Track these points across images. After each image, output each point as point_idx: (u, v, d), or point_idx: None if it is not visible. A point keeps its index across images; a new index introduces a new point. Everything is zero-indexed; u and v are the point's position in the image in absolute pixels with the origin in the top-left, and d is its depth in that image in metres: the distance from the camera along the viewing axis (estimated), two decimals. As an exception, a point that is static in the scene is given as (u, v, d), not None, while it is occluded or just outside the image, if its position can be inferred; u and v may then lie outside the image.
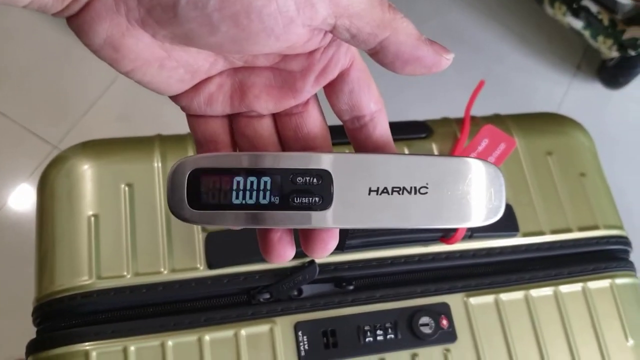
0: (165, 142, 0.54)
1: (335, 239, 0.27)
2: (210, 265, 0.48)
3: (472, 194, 0.27)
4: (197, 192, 0.26)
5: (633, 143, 1.33)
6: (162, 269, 0.48)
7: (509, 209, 0.54)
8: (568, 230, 0.56)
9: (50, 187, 0.51)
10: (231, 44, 0.24)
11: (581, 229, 0.56)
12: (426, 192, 0.27)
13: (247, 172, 0.26)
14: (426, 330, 0.49)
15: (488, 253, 0.53)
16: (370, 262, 0.51)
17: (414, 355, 0.49)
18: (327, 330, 0.48)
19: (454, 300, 0.51)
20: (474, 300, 0.51)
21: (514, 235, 0.54)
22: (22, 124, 1.13)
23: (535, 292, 0.53)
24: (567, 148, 0.60)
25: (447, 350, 0.49)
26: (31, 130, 1.12)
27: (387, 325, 0.49)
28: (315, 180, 0.26)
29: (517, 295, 0.52)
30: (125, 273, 0.47)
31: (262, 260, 0.48)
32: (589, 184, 0.59)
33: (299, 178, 0.26)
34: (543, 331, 0.52)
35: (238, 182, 0.26)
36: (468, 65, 1.31)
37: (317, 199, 0.26)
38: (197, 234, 0.50)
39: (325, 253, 0.28)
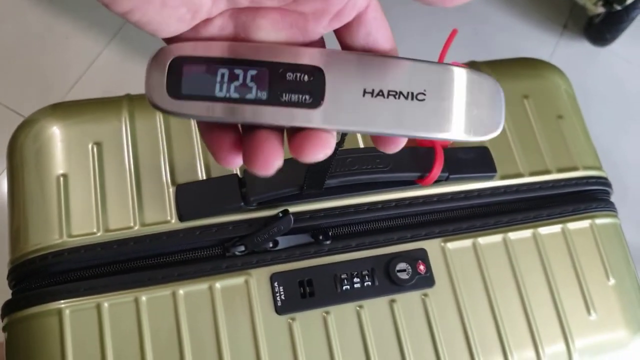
0: (134, 101, 0.53)
1: (327, 146, 0.25)
2: (181, 217, 0.47)
3: (472, 106, 0.26)
4: (178, 81, 0.25)
5: (621, 99, 1.32)
6: (133, 224, 0.47)
7: (486, 150, 0.53)
8: (547, 172, 0.55)
9: (19, 150, 0.50)
10: None
11: (560, 171, 0.56)
12: (424, 99, 0.26)
13: (234, 62, 0.25)
14: (403, 276, 0.49)
15: (466, 196, 0.53)
16: (346, 209, 0.50)
17: (392, 301, 0.48)
18: (303, 280, 0.48)
19: (431, 246, 0.50)
20: (451, 245, 0.51)
21: (491, 177, 0.53)
22: (6, 104, 1.12)
23: (513, 235, 0.52)
24: (544, 91, 0.59)
25: (425, 295, 0.49)
26: (14, 110, 1.11)
27: (364, 272, 0.49)
28: (306, 76, 0.25)
29: (496, 238, 0.52)
30: (95, 230, 0.47)
31: (235, 210, 0.48)
32: (567, 125, 0.58)
33: (289, 73, 0.25)
34: (523, 274, 0.51)
35: (223, 73, 0.25)
36: (454, 25, 1.29)
37: (307, 96, 0.25)
38: (167, 188, 0.49)
39: (313, 156, 0.25)
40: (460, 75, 0.26)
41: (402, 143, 0.28)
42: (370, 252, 0.49)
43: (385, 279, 0.49)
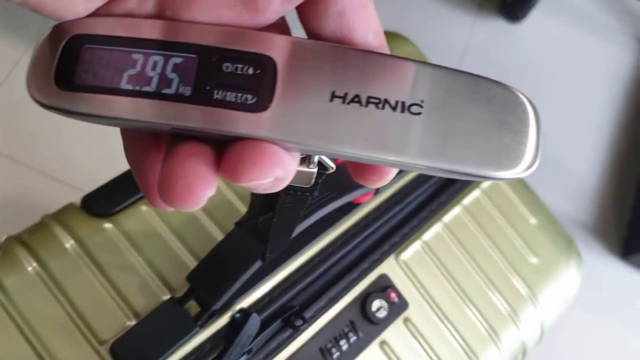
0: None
1: (274, 165, 0.17)
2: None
3: (493, 130, 0.18)
4: (72, 67, 0.18)
5: (540, 72, 1.36)
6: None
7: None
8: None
9: None
10: None
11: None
12: (420, 113, 0.18)
13: (152, 45, 0.18)
14: (382, 314, 0.46)
15: (397, 199, 0.50)
16: (299, 272, 0.45)
17: (382, 344, 0.45)
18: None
19: (389, 266, 0.48)
20: (404, 256, 0.49)
21: (407, 172, 0.52)
22: None
23: (447, 217, 0.52)
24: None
25: (407, 319, 0.47)
26: None
27: (345, 330, 0.45)
28: (251, 69, 0.18)
29: (436, 228, 0.51)
30: None
31: (191, 337, 0.40)
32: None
33: (227, 64, 0.18)
34: (467, 247, 0.52)
35: (135, 59, 0.18)
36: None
37: (249, 95, 0.18)
38: (96, 351, 0.39)
39: (253, 176, 0.17)
40: (477, 87, 0.19)
41: (390, 174, 0.20)
42: (340, 304, 0.45)
43: (367, 324, 0.45)
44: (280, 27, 0.20)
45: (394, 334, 0.46)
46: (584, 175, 1.24)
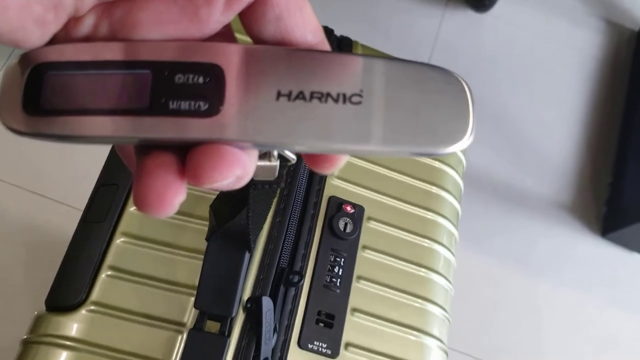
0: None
1: (233, 165, 0.19)
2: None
3: (427, 111, 0.20)
4: (37, 94, 0.19)
5: (511, 58, 1.33)
6: None
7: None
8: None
9: None
10: None
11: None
12: (359, 102, 0.20)
13: (108, 66, 0.20)
14: (349, 227, 0.51)
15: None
16: (270, 240, 0.48)
17: (364, 248, 0.51)
18: (321, 313, 0.47)
19: (330, 187, 0.52)
20: (336, 172, 0.53)
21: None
22: None
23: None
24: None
25: (369, 218, 0.52)
26: None
27: (331, 259, 0.49)
28: (201, 78, 0.20)
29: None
30: None
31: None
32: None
33: (179, 75, 0.20)
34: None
35: (94, 80, 0.20)
36: (340, 6, 1.14)
37: (202, 102, 0.19)
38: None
39: (214, 177, 0.19)
40: (409, 71, 0.21)
41: (340, 161, 0.22)
42: (315, 242, 0.50)
43: (344, 242, 0.50)
44: (225, 34, 0.21)
45: (366, 234, 0.51)
46: (560, 157, 1.26)
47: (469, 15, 1.37)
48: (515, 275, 1.13)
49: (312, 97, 0.20)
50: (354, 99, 0.20)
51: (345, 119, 0.20)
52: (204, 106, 0.19)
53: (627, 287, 1.16)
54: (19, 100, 0.19)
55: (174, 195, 0.18)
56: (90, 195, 0.49)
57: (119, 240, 0.46)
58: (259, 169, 0.22)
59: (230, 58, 0.20)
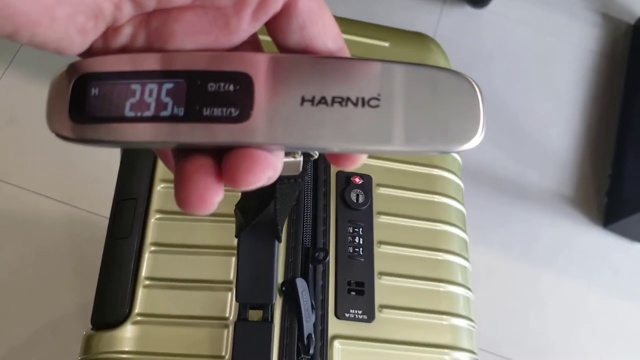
0: None
1: (265, 167, 0.21)
2: None
3: (441, 112, 0.22)
4: (82, 102, 0.21)
5: (509, 53, 1.32)
6: None
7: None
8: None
9: None
10: None
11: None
12: (377, 105, 0.21)
13: (146, 76, 0.22)
14: (361, 198, 0.53)
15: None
16: (291, 224, 0.50)
17: (378, 214, 0.53)
18: (351, 283, 0.49)
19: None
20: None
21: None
22: None
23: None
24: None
25: (377, 185, 0.54)
26: None
27: (350, 230, 0.52)
28: (232, 86, 0.21)
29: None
30: None
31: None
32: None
33: (211, 84, 0.21)
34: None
35: (133, 90, 0.21)
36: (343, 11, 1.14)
37: (233, 109, 0.21)
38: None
39: (249, 179, 0.21)
40: (423, 75, 0.22)
41: (359, 159, 0.24)
42: (332, 218, 0.52)
43: (359, 213, 0.53)
44: (253, 43, 0.23)
45: (378, 201, 0.54)
46: (560, 150, 1.26)
47: (467, 11, 1.38)
48: (518, 266, 1.15)
49: (333, 101, 0.21)
50: (372, 102, 0.22)
51: (364, 121, 0.21)
52: (235, 112, 0.21)
53: (629, 277, 1.18)
54: (65, 108, 0.21)
55: (213, 195, 0.20)
56: (111, 212, 0.51)
57: (148, 251, 0.48)
58: (285, 165, 0.24)
59: (258, 67, 0.22)
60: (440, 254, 0.54)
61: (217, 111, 0.21)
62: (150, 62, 0.22)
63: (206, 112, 0.21)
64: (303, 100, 0.21)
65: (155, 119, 0.21)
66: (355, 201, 0.53)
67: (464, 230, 0.57)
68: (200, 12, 0.21)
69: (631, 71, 1.35)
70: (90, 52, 0.22)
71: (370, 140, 0.22)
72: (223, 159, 0.21)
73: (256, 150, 0.21)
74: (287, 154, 0.25)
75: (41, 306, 0.93)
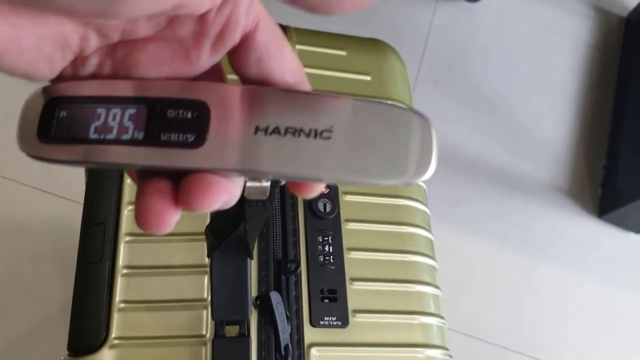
0: None
1: (217, 192, 0.22)
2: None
3: (393, 146, 0.22)
4: (50, 124, 0.23)
5: (503, 46, 1.32)
6: None
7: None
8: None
9: None
10: (88, 4, 0.19)
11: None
12: (329, 137, 0.22)
13: (111, 101, 0.23)
14: (328, 206, 0.54)
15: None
16: (261, 238, 0.51)
17: (346, 222, 0.55)
18: (324, 291, 0.51)
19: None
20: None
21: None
22: None
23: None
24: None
25: (344, 193, 0.56)
26: None
27: (320, 239, 0.53)
28: (189, 113, 0.22)
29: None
30: None
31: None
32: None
33: (170, 111, 0.23)
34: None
35: (98, 114, 0.22)
36: None
37: (189, 135, 0.22)
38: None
39: (202, 202, 0.22)
40: (379, 110, 0.23)
41: (316, 188, 0.25)
42: (301, 227, 0.53)
43: (328, 222, 0.54)
44: (215, 73, 0.24)
45: (345, 208, 0.55)
46: (555, 142, 1.27)
47: (461, 5, 1.39)
48: (514, 258, 1.16)
49: (286, 131, 0.22)
50: (325, 134, 0.22)
51: (315, 152, 0.22)
52: (190, 138, 0.22)
53: (624, 266, 1.20)
54: (34, 129, 0.23)
55: (170, 216, 0.22)
56: (80, 238, 0.51)
57: (120, 274, 0.48)
58: (251, 189, 0.25)
59: (215, 96, 0.23)
60: (408, 255, 0.56)
61: (174, 136, 0.22)
62: (115, 88, 0.23)
63: (164, 137, 0.22)
64: (257, 129, 0.22)
65: (116, 141, 0.22)
66: (323, 210, 0.54)
67: (429, 231, 0.59)
68: (163, 44, 0.22)
69: (624, 63, 1.38)
70: (60, 79, 0.23)
71: (319, 170, 0.22)
72: (181, 184, 0.22)
73: (211, 175, 0.22)
74: (253, 179, 0.26)
75: (43, 298, 0.92)
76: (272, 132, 0.22)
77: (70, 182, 0.98)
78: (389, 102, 0.24)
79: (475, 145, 1.24)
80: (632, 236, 1.24)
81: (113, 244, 0.50)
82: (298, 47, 0.62)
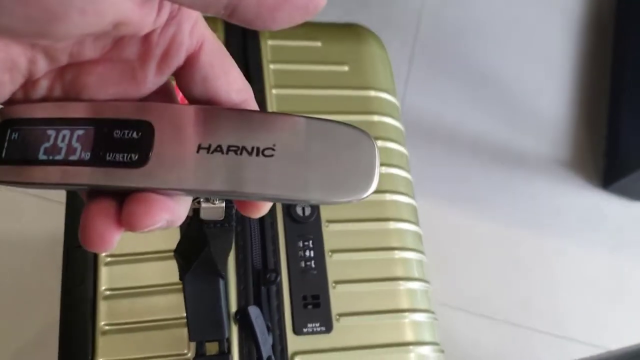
0: None
1: (159, 210, 0.22)
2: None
3: (335, 164, 0.23)
4: (1, 146, 0.23)
5: (497, 25, 1.29)
6: None
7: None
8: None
9: None
10: (26, 24, 0.19)
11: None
12: (272, 155, 0.22)
13: (60, 123, 0.23)
14: (307, 210, 0.53)
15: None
16: (238, 250, 0.51)
17: (328, 223, 0.54)
18: (306, 297, 0.51)
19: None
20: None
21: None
22: None
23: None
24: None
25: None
26: None
27: (300, 245, 0.52)
28: (134, 133, 0.23)
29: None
30: None
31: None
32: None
33: (116, 131, 0.23)
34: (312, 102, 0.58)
35: (47, 135, 0.23)
36: None
37: (133, 154, 0.22)
38: None
39: (143, 221, 0.22)
40: (322, 129, 0.23)
41: (263, 208, 0.25)
42: (280, 235, 0.52)
43: (308, 225, 0.53)
44: (164, 93, 0.24)
45: (325, 210, 0.54)
46: (555, 115, 1.24)
47: None
48: (522, 234, 1.15)
49: (228, 150, 0.22)
50: (267, 152, 0.22)
51: (257, 170, 0.22)
52: (134, 157, 0.22)
53: (631, 235, 1.18)
54: None
55: (112, 235, 0.22)
56: (63, 263, 0.51)
57: (102, 297, 0.49)
58: (206, 210, 0.25)
59: (161, 116, 0.23)
60: (395, 252, 0.55)
61: (119, 156, 0.22)
62: (65, 110, 0.23)
63: (109, 157, 0.22)
64: (199, 148, 0.22)
65: (64, 162, 0.23)
66: (301, 215, 0.53)
67: (416, 224, 0.58)
68: (110, 65, 0.23)
69: (618, 30, 1.33)
70: (11, 102, 0.23)
71: (259, 187, 0.22)
72: (124, 204, 0.22)
73: (153, 195, 0.22)
74: (206, 200, 0.26)
75: (50, 307, 0.96)
76: (215, 150, 0.22)
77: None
78: (335, 120, 0.23)
79: (475, 123, 1.22)
80: (638, 205, 1.21)
81: (94, 266, 0.50)
82: (270, 42, 0.60)
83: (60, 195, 0.98)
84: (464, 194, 1.17)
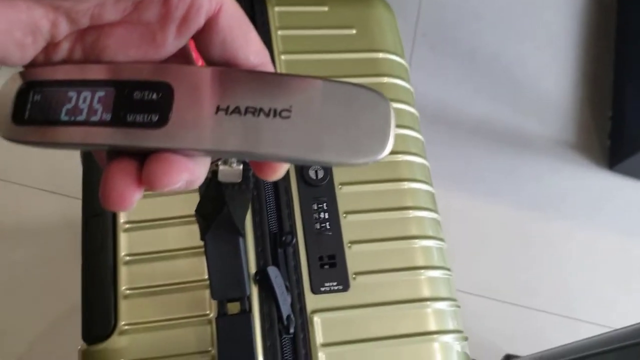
0: None
1: (179, 170, 0.22)
2: None
3: (350, 125, 0.23)
4: (24, 107, 0.24)
5: (496, 6, 1.29)
6: None
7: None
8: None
9: None
10: None
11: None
12: (289, 117, 0.23)
13: (81, 85, 0.24)
14: (320, 172, 0.54)
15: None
16: (254, 212, 0.52)
17: (340, 185, 0.54)
18: (322, 257, 0.51)
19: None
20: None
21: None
22: None
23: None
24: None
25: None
26: None
27: (315, 207, 0.53)
28: (154, 94, 0.23)
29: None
30: None
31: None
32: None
33: (137, 92, 0.23)
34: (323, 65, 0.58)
35: (69, 97, 0.23)
36: None
37: (153, 115, 0.23)
38: None
39: (164, 181, 0.22)
40: (338, 90, 0.23)
41: (279, 169, 0.25)
42: (294, 198, 0.53)
43: (320, 188, 0.54)
44: (183, 55, 0.25)
45: (338, 172, 0.55)
46: (559, 97, 1.23)
47: None
48: (529, 216, 1.15)
49: (246, 111, 0.23)
50: (284, 113, 0.23)
51: (273, 131, 0.23)
52: (154, 118, 0.23)
53: (639, 215, 1.18)
54: (9, 112, 0.24)
55: (132, 195, 0.22)
56: (82, 230, 0.52)
57: (122, 262, 0.50)
58: (224, 172, 0.26)
59: (180, 78, 0.23)
60: (409, 211, 0.55)
61: (139, 117, 0.23)
62: (86, 72, 0.24)
63: (129, 117, 0.23)
64: (218, 109, 0.23)
65: (85, 123, 0.23)
66: (315, 178, 0.54)
67: (429, 184, 0.58)
68: (130, 28, 0.23)
69: (623, 10, 1.31)
70: (33, 65, 0.24)
71: (276, 148, 0.23)
72: (144, 164, 0.23)
73: (173, 155, 0.22)
74: (224, 162, 0.26)
75: (54, 300, 0.97)
76: (233, 111, 0.23)
77: (75, 180, 1.00)
78: (351, 82, 0.24)
79: (478, 107, 1.22)
80: (645, 184, 1.21)
81: (113, 233, 0.51)
82: (277, 9, 0.60)
83: (61, 187, 0.99)
84: (469, 178, 1.17)
